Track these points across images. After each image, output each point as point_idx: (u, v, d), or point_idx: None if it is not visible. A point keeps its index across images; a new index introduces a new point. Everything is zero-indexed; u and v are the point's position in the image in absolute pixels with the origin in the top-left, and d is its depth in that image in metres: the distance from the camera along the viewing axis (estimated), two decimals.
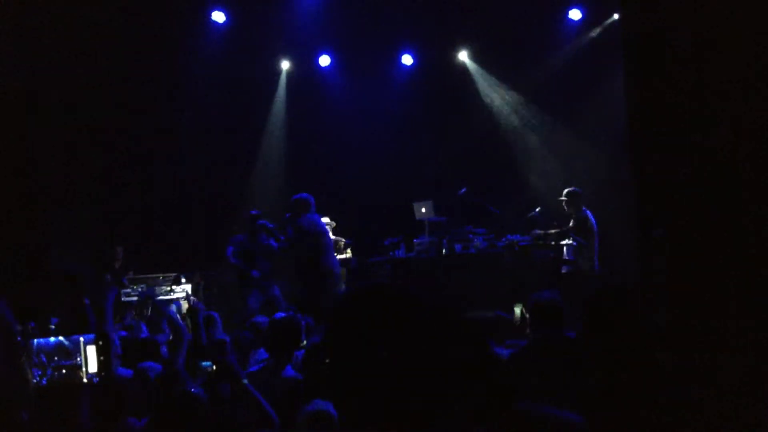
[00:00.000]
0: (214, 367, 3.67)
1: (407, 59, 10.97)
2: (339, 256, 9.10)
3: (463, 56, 10.91)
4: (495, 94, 10.65)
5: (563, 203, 8.42)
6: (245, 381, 3.52)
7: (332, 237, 9.73)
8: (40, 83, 8.86)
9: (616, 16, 9.73)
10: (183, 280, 8.99)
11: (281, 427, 3.38)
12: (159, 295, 8.51)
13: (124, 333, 5.67)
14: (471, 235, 9.20)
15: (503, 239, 9.08)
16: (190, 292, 8.81)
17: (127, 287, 8.74)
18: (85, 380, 2.17)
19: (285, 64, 11.06)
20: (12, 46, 8.33)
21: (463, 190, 9.43)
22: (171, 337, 5.42)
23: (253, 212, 8.73)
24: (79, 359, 2.18)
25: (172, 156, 10.12)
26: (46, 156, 9.22)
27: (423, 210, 9.56)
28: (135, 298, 8.71)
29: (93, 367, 2.15)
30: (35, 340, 2.16)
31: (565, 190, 8.44)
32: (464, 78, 10.89)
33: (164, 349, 5.23)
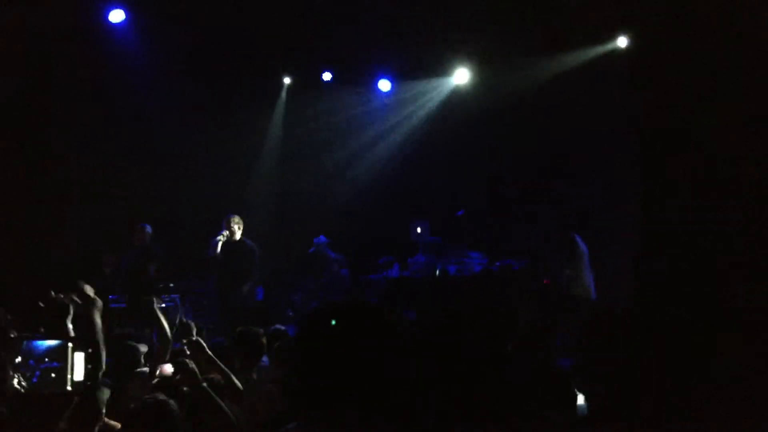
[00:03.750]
0: (173, 370, 3.65)
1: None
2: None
3: (463, 75, 10.86)
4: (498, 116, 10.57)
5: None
6: (204, 384, 3.50)
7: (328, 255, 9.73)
8: (32, 89, 8.89)
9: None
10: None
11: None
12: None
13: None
14: (466, 259, 9.17)
15: (497, 263, 9.04)
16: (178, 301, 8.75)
17: (116, 294, 8.65)
18: (69, 388, 2.10)
19: (286, 80, 11.08)
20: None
21: (460, 212, 9.41)
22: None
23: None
24: (69, 364, 2.12)
25: (168, 165, 10.07)
26: (41, 162, 9.24)
27: (419, 230, 9.54)
28: (124, 305, 8.60)
29: (79, 374, 2.07)
30: (25, 342, 2.10)
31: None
32: (462, 97, 10.89)
33: None
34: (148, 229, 8.88)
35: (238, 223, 8.29)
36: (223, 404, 3.46)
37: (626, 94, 9.16)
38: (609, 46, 9.89)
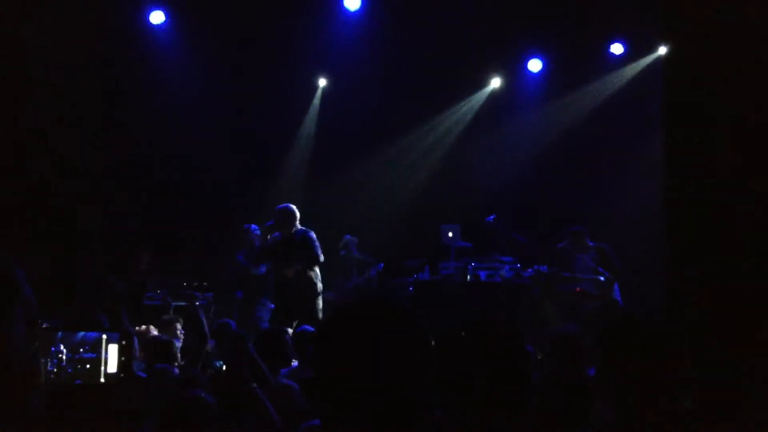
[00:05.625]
0: (224, 368, 3.63)
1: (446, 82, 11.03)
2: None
3: (496, 83, 10.95)
4: (532, 124, 10.61)
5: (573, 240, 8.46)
6: (254, 385, 3.47)
7: (357, 255, 9.77)
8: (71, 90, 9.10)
9: (660, 51, 9.76)
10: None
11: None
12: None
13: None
14: (497, 263, 9.13)
15: (530, 270, 8.99)
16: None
17: (149, 291, 8.79)
18: (102, 379, 2.16)
19: (322, 81, 11.13)
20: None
21: (491, 217, 9.36)
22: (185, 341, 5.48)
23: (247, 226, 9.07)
24: (103, 355, 2.17)
25: (200, 167, 10.23)
26: (77, 159, 9.44)
27: (450, 234, 9.51)
28: (158, 302, 8.75)
29: (113, 366, 2.13)
30: (59, 332, 2.16)
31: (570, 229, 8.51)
32: (501, 106, 10.91)
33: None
34: (255, 230, 9.02)
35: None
36: (270, 405, 3.43)
37: (659, 99, 9.12)
38: (651, 57, 9.91)
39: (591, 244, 8.44)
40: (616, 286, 8.28)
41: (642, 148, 9.60)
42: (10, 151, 8.71)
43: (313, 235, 8.09)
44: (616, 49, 10.11)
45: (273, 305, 8.68)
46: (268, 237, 8.18)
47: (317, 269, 8.07)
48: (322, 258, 8.04)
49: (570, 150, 10.16)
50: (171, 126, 9.95)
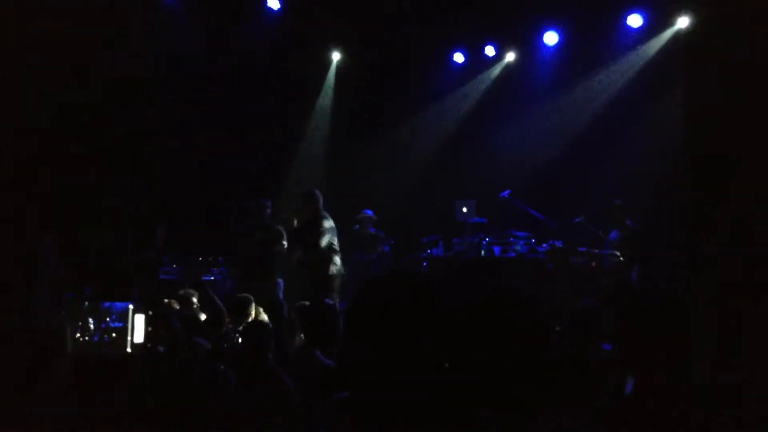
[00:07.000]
0: (240, 340, 3.68)
1: (459, 57, 10.94)
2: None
3: (511, 57, 10.85)
4: (548, 98, 10.52)
5: (612, 214, 8.45)
6: (270, 356, 3.50)
7: (370, 231, 9.77)
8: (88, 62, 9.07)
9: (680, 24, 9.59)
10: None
11: (308, 407, 3.37)
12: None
13: None
14: (512, 239, 9.10)
15: (545, 245, 8.97)
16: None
17: (166, 266, 8.86)
18: (129, 349, 2.19)
19: (336, 56, 11.08)
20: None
21: (506, 192, 9.33)
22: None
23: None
24: (129, 325, 2.20)
25: (220, 141, 10.21)
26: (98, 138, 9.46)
27: (465, 210, 9.50)
28: (174, 277, 8.82)
29: (139, 336, 2.16)
30: (86, 302, 2.20)
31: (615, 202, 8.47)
32: (517, 80, 10.82)
33: None
34: (269, 205, 8.84)
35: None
36: (287, 379, 3.45)
37: (680, 75, 9.01)
38: (672, 30, 9.74)
39: (628, 223, 8.41)
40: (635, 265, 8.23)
41: (661, 122, 9.47)
42: (25, 134, 8.73)
43: (324, 220, 8.17)
44: (635, 20, 9.92)
45: (281, 282, 8.76)
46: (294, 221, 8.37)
47: (333, 254, 8.17)
48: (323, 243, 8.13)
49: (587, 124, 10.06)
50: (185, 102, 9.94)
